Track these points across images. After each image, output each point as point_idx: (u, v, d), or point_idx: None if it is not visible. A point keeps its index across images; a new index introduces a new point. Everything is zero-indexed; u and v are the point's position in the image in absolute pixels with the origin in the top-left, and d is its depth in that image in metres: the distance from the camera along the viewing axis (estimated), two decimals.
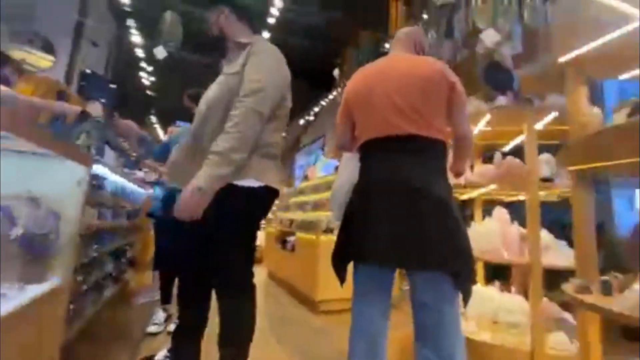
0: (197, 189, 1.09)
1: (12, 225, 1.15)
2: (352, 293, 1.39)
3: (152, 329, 2.05)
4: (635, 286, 0.74)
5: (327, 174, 3.80)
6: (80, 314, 1.67)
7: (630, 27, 0.80)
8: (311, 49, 4.69)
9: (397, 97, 1.28)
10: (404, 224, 1.17)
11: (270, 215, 5.03)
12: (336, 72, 4.61)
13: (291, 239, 3.67)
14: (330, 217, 3.39)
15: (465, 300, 1.26)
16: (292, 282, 3.43)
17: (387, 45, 3.67)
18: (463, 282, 1.21)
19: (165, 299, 2.21)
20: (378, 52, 3.60)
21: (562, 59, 1.05)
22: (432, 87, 1.26)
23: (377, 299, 1.33)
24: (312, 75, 4.89)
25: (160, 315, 2.15)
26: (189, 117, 1.65)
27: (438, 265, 1.16)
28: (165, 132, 3.63)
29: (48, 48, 4.39)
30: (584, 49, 0.94)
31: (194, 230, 1.20)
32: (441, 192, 1.21)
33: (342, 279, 1.37)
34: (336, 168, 3.54)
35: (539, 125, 1.64)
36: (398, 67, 1.33)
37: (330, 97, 6.30)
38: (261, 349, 1.92)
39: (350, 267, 1.37)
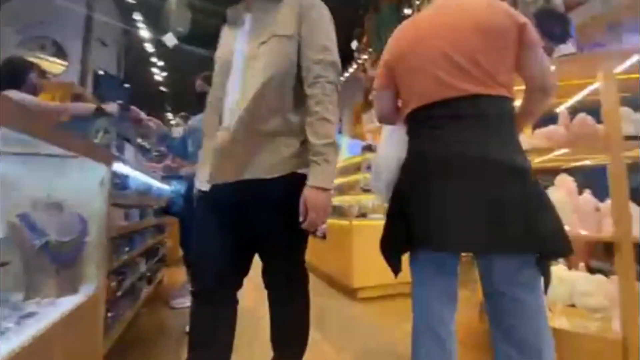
0: (321, 191, 0.98)
1: (35, 234, 1.04)
2: (412, 283, 1.21)
3: None
4: None
5: (353, 155, 3.61)
6: (118, 320, 1.60)
7: None
8: None
9: (452, 51, 1.06)
10: (478, 203, 0.98)
11: None
12: (354, 44, 4.25)
13: (322, 226, 3.53)
14: (361, 201, 3.21)
15: (547, 285, 1.07)
16: (325, 269, 3.32)
17: (406, 11, 3.35)
18: (546, 265, 1.02)
19: None
20: (400, 16, 3.28)
21: None
22: (496, 34, 1.04)
23: (442, 284, 1.16)
24: None
25: None
26: (201, 106, 1.49)
27: (526, 247, 0.98)
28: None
29: (60, 53, 4.35)
30: None
31: (228, 228, 1.07)
32: (517, 160, 1.01)
33: (396, 269, 1.19)
34: (363, 148, 3.34)
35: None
36: (450, 13, 1.10)
37: (346, 74, 5.96)
38: None
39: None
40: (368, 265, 2.59)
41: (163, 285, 2.95)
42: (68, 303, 1.04)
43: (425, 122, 1.13)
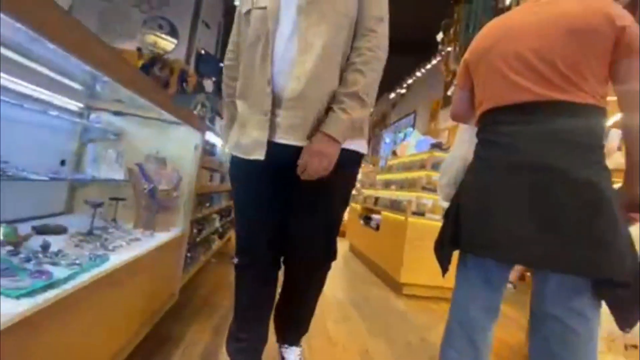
0: (332, 141, 0.91)
1: (145, 180, 1.34)
2: (455, 286, 1.22)
3: None
4: None
5: (419, 151, 3.52)
6: (194, 261, 1.94)
7: None
8: (409, 6, 4.03)
9: (531, 53, 1.00)
10: (539, 215, 0.94)
11: (353, 191, 4.99)
12: (440, 36, 4.02)
13: (376, 217, 3.58)
14: (421, 199, 3.16)
15: (627, 324, 0.97)
16: (374, 259, 3.38)
17: (507, 1, 3.05)
18: (621, 300, 0.94)
19: None
20: (497, 8, 3.00)
21: None
22: (586, 38, 0.95)
23: (484, 296, 1.14)
24: (409, 41, 4.30)
25: None
26: None
27: (577, 267, 0.92)
28: None
29: (173, 32, 5.03)
30: None
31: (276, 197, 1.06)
32: (591, 176, 0.93)
33: (445, 269, 1.18)
34: (432, 145, 3.23)
35: None
36: (539, 12, 1.04)
37: (428, 66, 5.65)
38: (344, 323, 1.94)
39: (455, 255, 1.20)
40: (418, 263, 2.58)
41: (230, 243, 3.37)
42: (162, 237, 1.34)
43: (494, 126, 1.10)
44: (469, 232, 1.08)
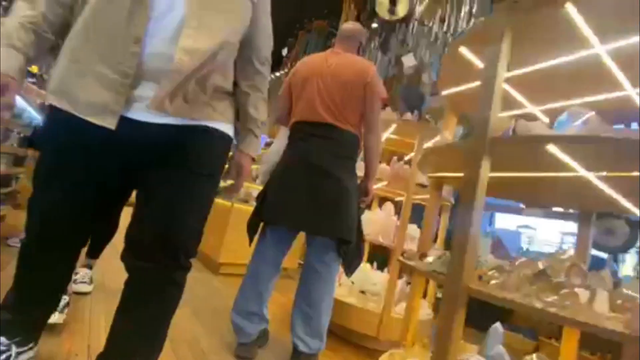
0: (251, 159, 1.04)
1: None
2: (254, 250, 1.61)
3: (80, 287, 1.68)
4: (438, 254, 1.09)
5: None
6: None
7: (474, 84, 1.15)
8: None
9: (325, 91, 1.52)
10: (308, 197, 1.43)
11: None
12: (284, 51, 4.64)
13: None
14: (250, 188, 3.51)
15: (349, 271, 1.60)
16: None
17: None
18: (346, 254, 1.52)
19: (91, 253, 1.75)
20: (326, 44, 3.81)
21: (443, 93, 1.40)
22: (350, 87, 1.52)
23: (273, 254, 1.58)
24: None
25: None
26: None
27: (327, 232, 1.45)
28: None
29: None
30: (452, 90, 1.29)
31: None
32: (342, 175, 1.49)
33: (251, 239, 1.60)
34: (266, 143, 3.67)
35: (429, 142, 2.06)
36: (331, 65, 1.56)
37: (272, 77, 6.30)
38: None
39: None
40: (237, 244, 2.88)
41: (3, 224, 2.63)
42: None
43: (297, 133, 1.58)
44: (269, 208, 1.51)
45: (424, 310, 1.96)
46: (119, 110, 0.76)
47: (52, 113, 0.82)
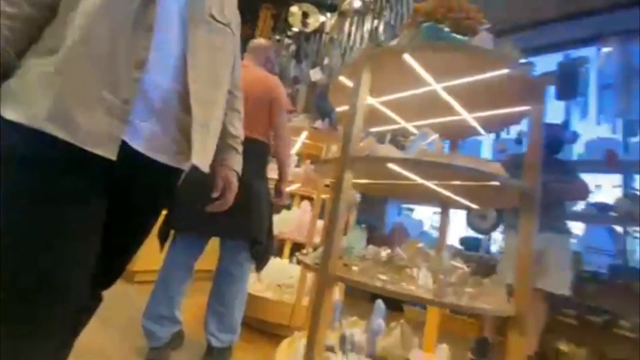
0: (237, 175, 1.08)
1: None
2: (166, 255, 1.66)
3: None
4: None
5: None
6: None
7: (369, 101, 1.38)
8: None
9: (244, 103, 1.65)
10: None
11: None
12: None
13: None
14: None
15: (259, 267, 1.74)
16: None
17: None
18: (257, 252, 1.66)
19: None
20: (243, 47, 3.89)
21: (337, 109, 1.62)
22: (261, 102, 1.66)
23: (184, 259, 1.66)
24: None
25: None
26: None
27: (240, 235, 1.58)
28: None
29: None
30: (339, 109, 1.52)
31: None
32: (252, 180, 1.63)
33: (162, 246, 1.65)
34: None
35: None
36: (243, 78, 1.69)
37: None
38: None
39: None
40: (154, 252, 2.80)
41: None
42: None
43: None
44: (179, 216, 1.57)
45: (333, 296, 2.23)
46: (120, 137, 0.66)
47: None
